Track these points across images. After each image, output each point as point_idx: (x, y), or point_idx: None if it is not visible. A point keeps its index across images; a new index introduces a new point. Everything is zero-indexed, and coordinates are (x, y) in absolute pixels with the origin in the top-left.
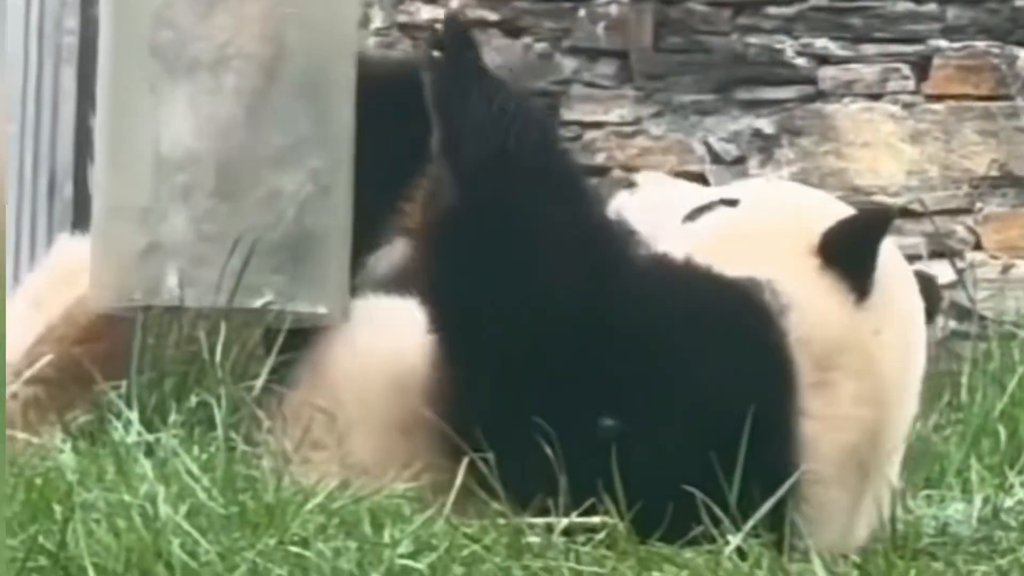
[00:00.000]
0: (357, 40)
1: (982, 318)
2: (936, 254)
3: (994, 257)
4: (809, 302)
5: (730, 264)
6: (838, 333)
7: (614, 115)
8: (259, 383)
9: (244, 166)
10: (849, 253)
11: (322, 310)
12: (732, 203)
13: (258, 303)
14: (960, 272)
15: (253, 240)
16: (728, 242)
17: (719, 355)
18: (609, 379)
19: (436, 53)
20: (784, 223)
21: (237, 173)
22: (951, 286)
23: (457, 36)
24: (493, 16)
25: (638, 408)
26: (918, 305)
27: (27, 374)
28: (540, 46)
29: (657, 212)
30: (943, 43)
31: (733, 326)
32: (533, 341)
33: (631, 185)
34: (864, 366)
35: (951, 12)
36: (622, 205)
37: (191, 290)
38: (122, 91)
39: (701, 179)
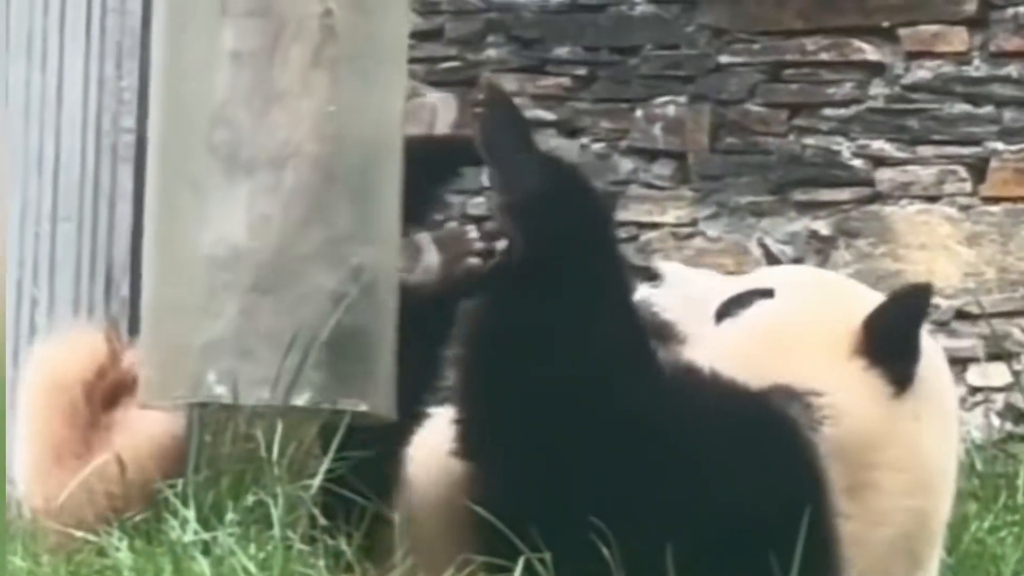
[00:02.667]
0: (403, 135)
1: None
2: (993, 356)
3: None
4: (848, 407)
5: (768, 368)
6: (879, 431)
7: (671, 216)
8: (316, 482)
9: (292, 263)
10: (891, 344)
11: (363, 408)
12: (767, 293)
13: (300, 401)
14: (1017, 375)
15: (309, 337)
16: (766, 344)
17: (746, 471)
18: (641, 486)
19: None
20: (822, 318)
21: (285, 270)
22: (1008, 388)
23: (498, 95)
24: (550, 116)
25: (667, 517)
26: (946, 371)
27: None
28: (597, 146)
29: (689, 308)
30: (1000, 145)
31: (759, 443)
32: (567, 441)
33: (653, 277)
34: (907, 457)
35: (1008, 114)
36: (649, 299)
37: (240, 388)
38: (172, 188)
39: None
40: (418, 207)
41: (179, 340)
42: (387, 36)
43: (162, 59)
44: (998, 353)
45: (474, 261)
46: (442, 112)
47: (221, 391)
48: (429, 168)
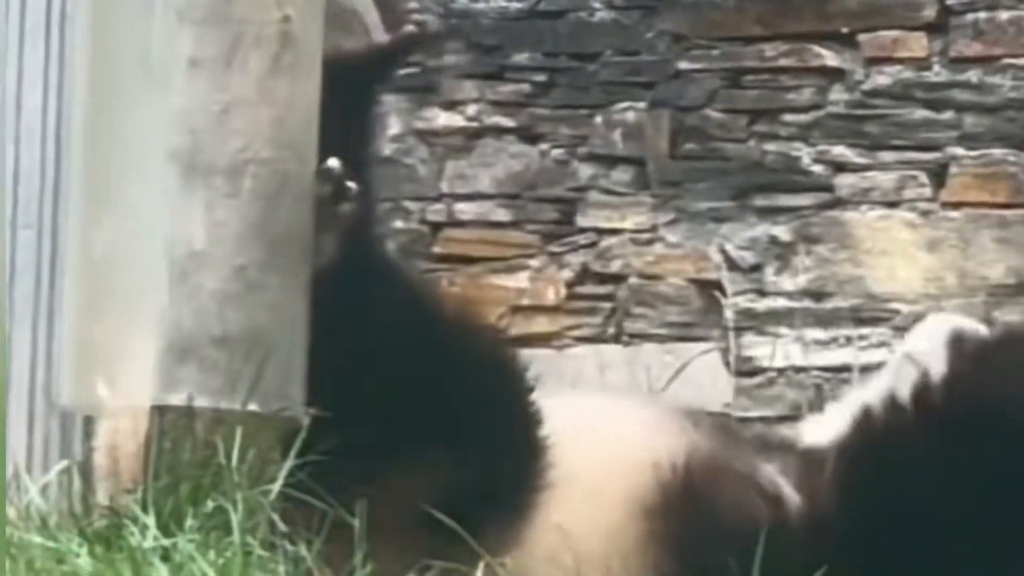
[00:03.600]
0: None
1: None
2: None
3: None
4: None
5: None
6: None
7: (630, 222)
8: (276, 487)
9: (252, 269)
10: None
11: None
12: None
13: (265, 407)
14: None
15: (266, 343)
16: None
17: None
18: None
19: None
20: None
21: (250, 276)
22: None
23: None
24: (510, 122)
25: None
26: None
27: None
28: (557, 153)
29: None
30: (960, 151)
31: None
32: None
33: None
34: None
35: (968, 120)
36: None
37: (204, 394)
38: (136, 197)
39: (718, 286)
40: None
41: (140, 346)
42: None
43: (121, 67)
44: None
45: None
46: (395, 118)
47: (189, 398)
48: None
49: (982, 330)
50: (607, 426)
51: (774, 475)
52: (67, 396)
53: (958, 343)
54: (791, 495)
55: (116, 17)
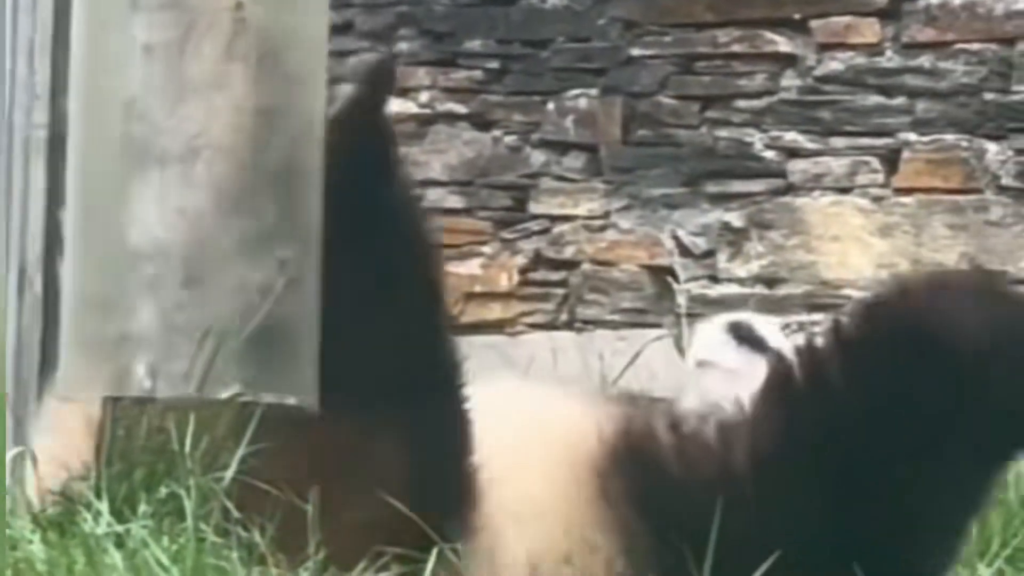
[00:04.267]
0: (323, 128)
1: None
2: None
3: None
4: None
5: None
6: None
7: (583, 208)
8: (229, 474)
9: (213, 257)
10: None
11: (291, 401)
12: None
13: (226, 394)
14: None
15: (223, 331)
16: None
17: None
18: None
19: None
20: None
21: (206, 264)
22: None
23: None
24: (462, 109)
25: None
26: None
27: None
28: (509, 139)
29: None
30: (912, 136)
31: None
32: None
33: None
34: None
35: (920, 106)
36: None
37: (161, 381)
38: (91, 182)
39: (671, 272)
40: None
41: (101, 334)
42: (304, 29)
43: (78, 53)
44: None
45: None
46: None
47: (147, 385)
48: None
49: (751, 318)
50: (532, 407)
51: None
52: (68, 388)
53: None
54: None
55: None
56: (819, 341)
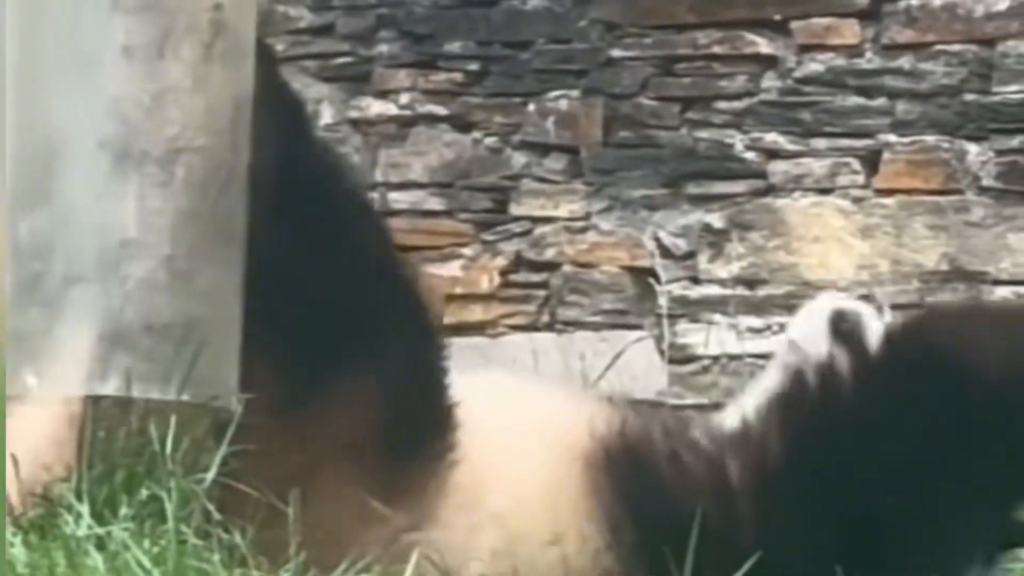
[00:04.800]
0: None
1: None
2: None
3: None
4: None
5: None
6: None
7: (564, 210)
8: (210, 476)
9: (186, 258)
10: None
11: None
12: None
13: (197, 396)
14: None
15: (200, 332)
16: None
17: None
18: None
19: None
20: None
21: (180, 265)
22: None
23: None
24: (443, 111)
25: None
26: None
27: None
28: (490, 141)
29: None
30: (893, 138)
31: None
32: None
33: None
34: None
35: (900, 107)
36: None
37: (138, 382)
38: (66, 185)
39: (652, 274)
40: None
41: (73, 334)
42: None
43: (54, 55)
44: None
45: None
46: (328, 107)
47: (116, 386)
48: None
49: (863, 310)
50: (519, 397)
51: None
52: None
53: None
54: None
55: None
56: (839, 361)
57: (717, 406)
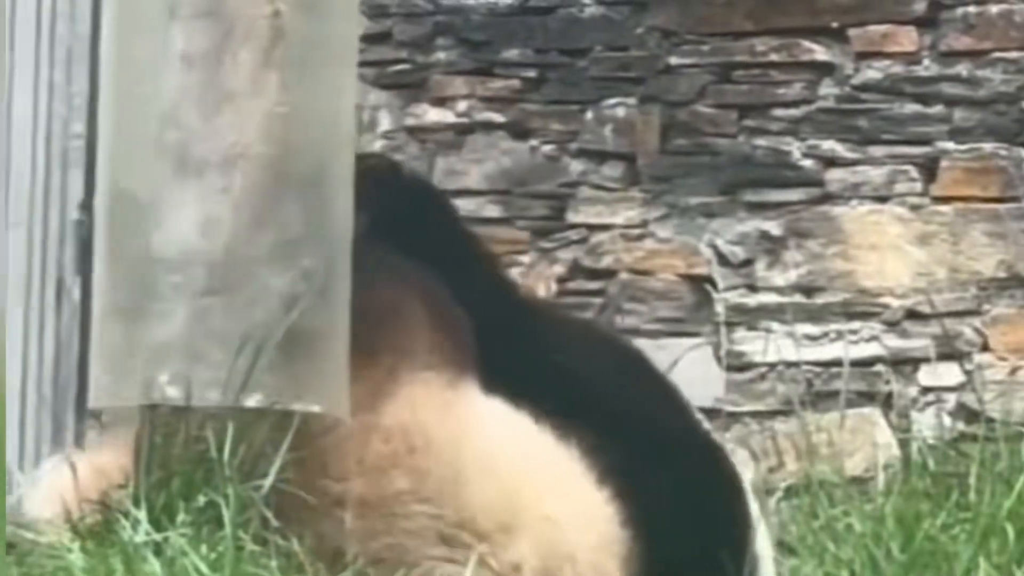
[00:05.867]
0: (355, 136)
1: (990, 420)
2: (944, 356)
3: (1002, 359)
4: None
5: None
6: None
7: (621, 217)
8: (267, 482)
9: (242, 265)
10: None
11: (316, 408)
12: None
13: (252, 402)
14: (968, 374)
15: (259, 339)
16: None
17: None
18: None
19: None
20: None
21: (235, 272)
22: (959, 388)
23: None
24: (500, 118)
25: None
26: None
27: None
28: (547, 148)
29: None
30: (950, 145)
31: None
32: None
33: None
34: None
35: (958, 114)
36: None
37: (194, 390)
38: (123, 190)
39: (709, 281)
40: None
41: (131, 342)
42: (336, 37)
43: (112, 62)
44: (949, 353)
45: None
46: (385, 114)
47: (173, 393)
48: None
49: None
50: None
51: None
52: (96, 397)
53: None
54: None
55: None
56: None
57: (774, 414)
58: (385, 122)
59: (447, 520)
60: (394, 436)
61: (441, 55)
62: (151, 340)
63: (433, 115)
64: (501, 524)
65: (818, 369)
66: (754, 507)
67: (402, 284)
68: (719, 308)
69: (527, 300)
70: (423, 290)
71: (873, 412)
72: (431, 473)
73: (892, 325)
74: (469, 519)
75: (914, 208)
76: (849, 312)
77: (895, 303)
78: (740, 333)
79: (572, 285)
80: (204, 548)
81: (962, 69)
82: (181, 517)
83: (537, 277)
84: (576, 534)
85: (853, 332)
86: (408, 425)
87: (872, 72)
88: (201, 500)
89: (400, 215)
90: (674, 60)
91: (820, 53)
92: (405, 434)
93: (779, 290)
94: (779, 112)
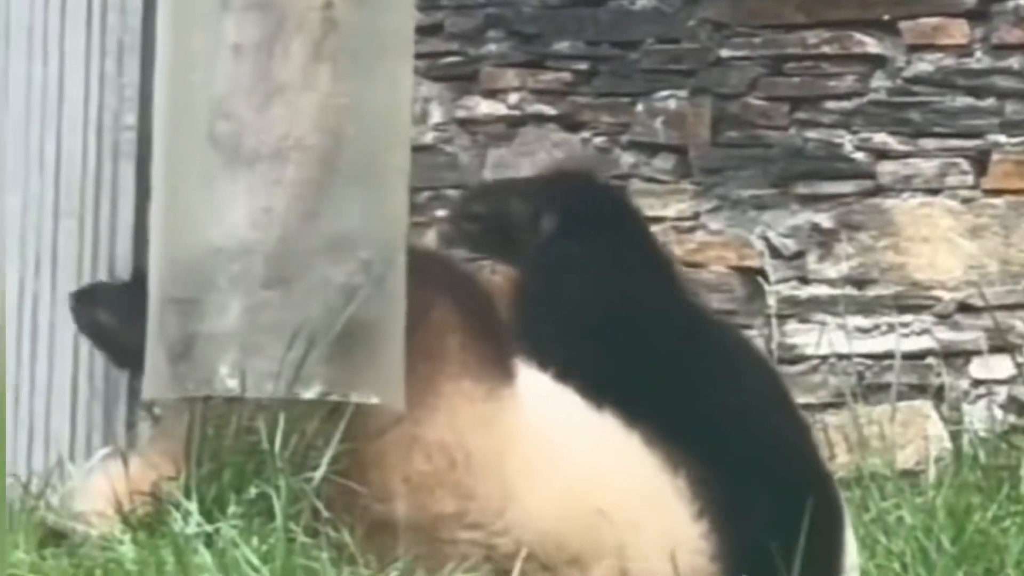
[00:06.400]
0: (410, 128)
1: None
2: (995, 349)
3: None
4: None
5: None
6: None
7: (672, 210)
8: (319, 474)
9: (298, 256)
10: None
11: (374, 400)
12: None
13: (310, 393)
14: (1020, 367)
15: (311, 330)
16: None
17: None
18: None
19: None
20: None
21: (292, 264)
22: (1010, 380)
23: None
24: (551, 110)
25: None
26: None
27: None
28: (598, 141)
29: None
30: (1002, 138)
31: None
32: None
33: None
34: None
35: (1010, 107)
36: None
37: (245, 381)
38: (176, 182)
39: (760, 274)
40: None
41: (186, 334)
42: (391, 29)
43: (164, 53)
44: (1001, 346)
45: None
46: (436, 107)
47: (232, 384)
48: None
49: None
50: None
51: None
52: (151, 389)
53: None
54: None
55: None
56: None
57: (826, 406)
58: (436, 114)
59: (500, 550)
60: (435, 453)
61: (492, 47)
62: (207, 332)
63: (484, 107)
64: (571, 556)
65: (869, 362)
66: (851, 541)
67: (434, 286)
68: (771, 300)
69: (703, 317)
70: (457, 293)
71: (924, 405)
72: (476, 494)
73: (944, 318)
74: (533, 546)
75: (965, 201)
76: (901, 305)
77: (946, 296)
78: (792, 325)
79: None
80: (255, 540)
81: (1014, 62)
82: (232, 509)
83: None
84: (658, 564)
85: (904, 325)
86: (448, 441)
87: (924, 65)
88: (252, 492)
89: (589, 221)
90: (725, 52)
91: (872, 46)
92: (446, 450)
93: (831, 282)
94: (831, 105)
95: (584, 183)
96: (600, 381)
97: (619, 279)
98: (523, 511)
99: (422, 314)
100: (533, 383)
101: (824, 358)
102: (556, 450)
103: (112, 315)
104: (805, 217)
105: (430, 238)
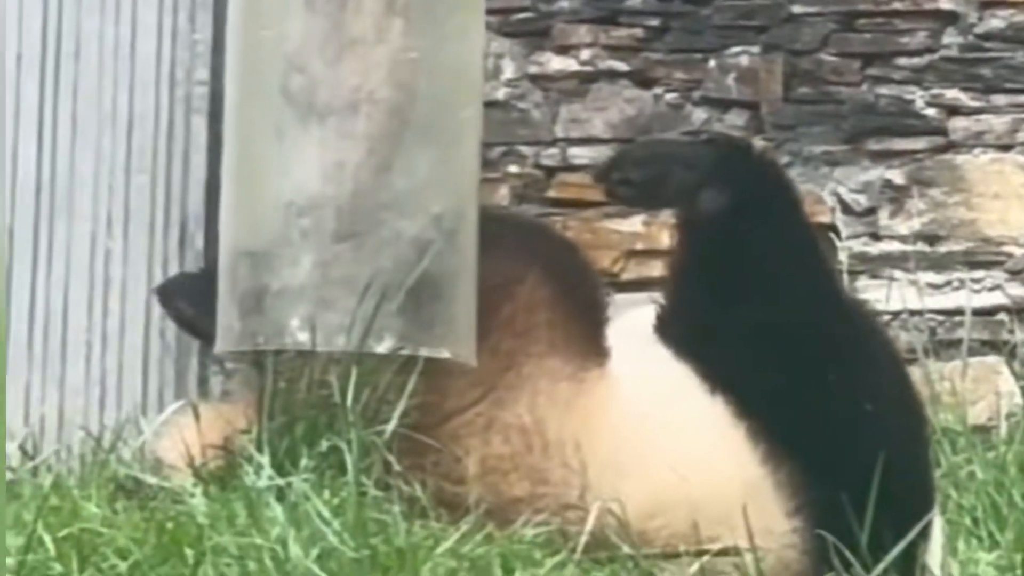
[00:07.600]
0: (482, 83)
1: None
2: None
3: None
4: None
5: None
6: None
7: None
8: (390, 427)
9: (370, 210)
10: None
11: (445, 354)
12: None
13: (381, 347)
14: None
15: (383, 284)
16: None
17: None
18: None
19: None
20: None
21: (364, 217)
22: None
23: None
24: (624, 67)
25: None
26: None
27: None
28: (671, 97)
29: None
30: None
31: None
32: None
33: None
34: None
35: None
36: None
37: (317, 335)
38: (249, 135)
39: (832, 230)
40: None
41: (258, 287)
42: None
43: (236, 8)
44: None
45: None
46: (509, 62)
47: (303, 338)
48: None
49: None
50: None
51: None
52: (224, 342)
53: None
54: None
55: None
56: None
57: None
58: (508, 70)
59: (573, 539)
60: (513, 435)
61: (564, 3)
62: (279, 285)
63: (556, 63)
64: (657, 548)
65: (941, 318)
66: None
67: (527, 259)
68: (842, 257)
69: (850, 306)
70: (550, 267)
71: (996, 361)
72: (551, 479)
73: (1015, 274)
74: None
75: None
76: (972, 261)
77: (1018, 252)
78: (863, 282)
79: None
80: (327, 493)
81: None
82: (304, 462)
83: (661, 226)
84: (748, 556)
85: (976, 281)
86: (527, 424)
87: (996, 21)
88: (324, 445)
89: (757, 203)
90: (797, 8)
91: (944, 2)
92: (524, 433)
93: (902, 239)
94: (902, 61)
95: (750, 159)
96: (734, 372)
97: (781, 270)
98: (602, 499)
99: (511, 288)
100: (631, 364)
101: (896, 314)
102: (647, 436)
103: (191, 306)
104: (877, 173)
105: (502, 194)
